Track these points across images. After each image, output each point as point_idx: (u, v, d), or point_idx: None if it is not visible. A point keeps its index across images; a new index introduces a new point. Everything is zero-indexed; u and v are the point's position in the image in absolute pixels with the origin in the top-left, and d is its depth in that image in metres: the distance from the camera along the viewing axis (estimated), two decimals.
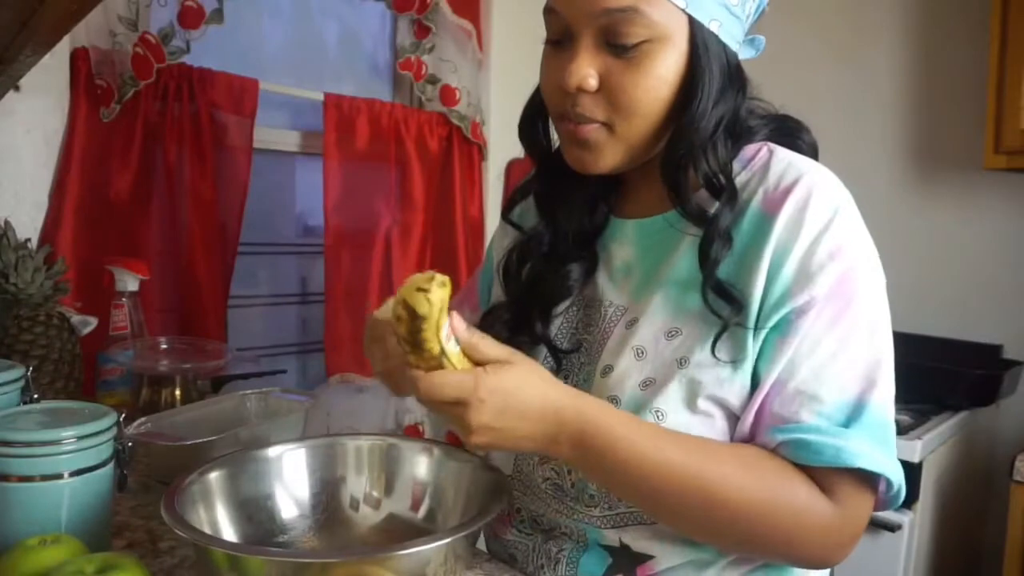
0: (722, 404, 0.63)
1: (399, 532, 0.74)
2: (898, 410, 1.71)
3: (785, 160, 0.66)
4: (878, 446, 0.59)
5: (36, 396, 0.84)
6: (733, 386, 0.62)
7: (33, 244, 1.20)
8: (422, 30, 1.90)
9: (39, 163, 1.34)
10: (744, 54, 0.69)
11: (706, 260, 0.63)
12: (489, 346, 0.56)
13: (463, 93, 1.95)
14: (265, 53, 1.85)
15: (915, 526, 1.44)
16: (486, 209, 2.10)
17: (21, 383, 0.82)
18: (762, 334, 0.62)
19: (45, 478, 0.65)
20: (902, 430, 1.49)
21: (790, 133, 0.72)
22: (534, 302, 0.74)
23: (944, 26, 1.90)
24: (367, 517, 0.76)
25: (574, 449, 0.57)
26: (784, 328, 0.61)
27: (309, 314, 1.98)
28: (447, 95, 1.93)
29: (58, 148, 1.36)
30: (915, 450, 1.43)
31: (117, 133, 1.41)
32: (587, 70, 0.62)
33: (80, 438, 0.66)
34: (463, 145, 2.01)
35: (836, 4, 2.08)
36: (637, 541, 0.66)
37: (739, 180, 0.66)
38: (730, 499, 0.57)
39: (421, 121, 1.91)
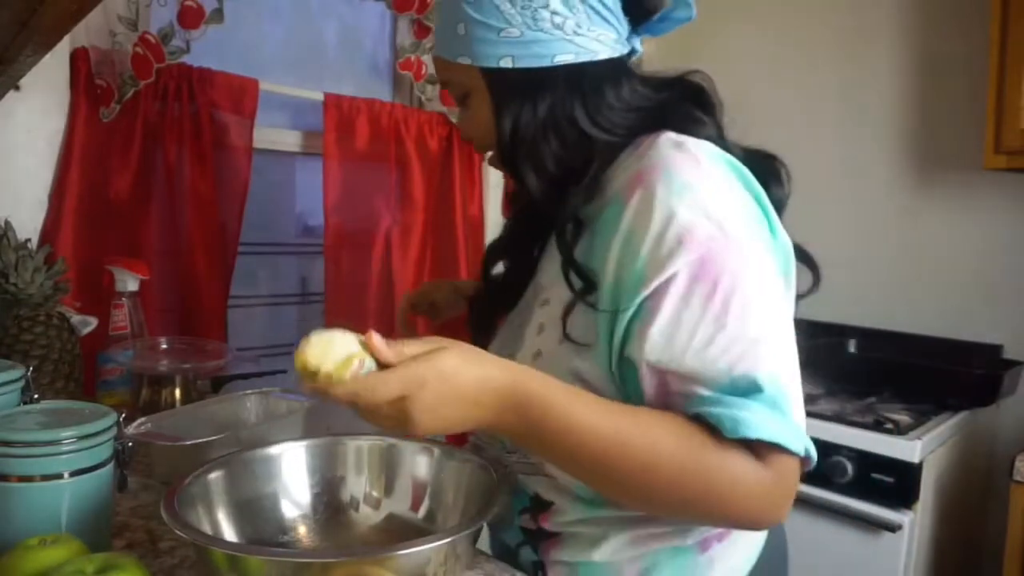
0: (597, 387, 0.65)
1: (399, 532, 0.74)
2: (898, 410, 1.71)
3: (655, 145, 0.66)
4: (776, 415, 0.59)
5: (36, 396, 0.84)
6: (594, 369, 0.66)
7: (33, 244, 1.20)
8: (422, 30, 1.89)
9: (39, 163, 1.34)
10: (611, 51, 0.71)
11: (561, 242, 0.69)
12: (414, 346, 0.57)
13: None
14: (265, 53, 1.85)
15: (915, 526, 1.44)
16: (486, 209, 2.10)
17: (21, 383, 0.82)
18: (623, 320, 0.63)
19: (45, 478, 0.65)
20: (902, 430, 1.49)
21: (685, 116, 0.71)
22: (498, 300, 0.85)
23: (944, 26, 1.90)
24: (367, 517, 0.76)
25: (518, 422, 0.59)
26: (643, 314, 0.62)
27: (309, 314, 1.98)
28: (447, 95, 1.93)
29: (58, 148, 1.36)
30: (915, 450, 1.43)
31: (117, 133, 1.41)
32: (461, 125, 0.80)
33: (80, 438, 0.67)
34: (463, 145, 2.00)
35: (836, 4, 2.08)
36: (544, 490, 0.72)
37: (617, 168, 0.70)
38: (661, 466, 0.58)
39: (421, 121, 1.91)
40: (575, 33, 0.70)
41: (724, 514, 0.62)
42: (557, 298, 0.71)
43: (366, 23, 2.04)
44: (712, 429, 0.59)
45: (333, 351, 0.55)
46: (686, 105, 0.73)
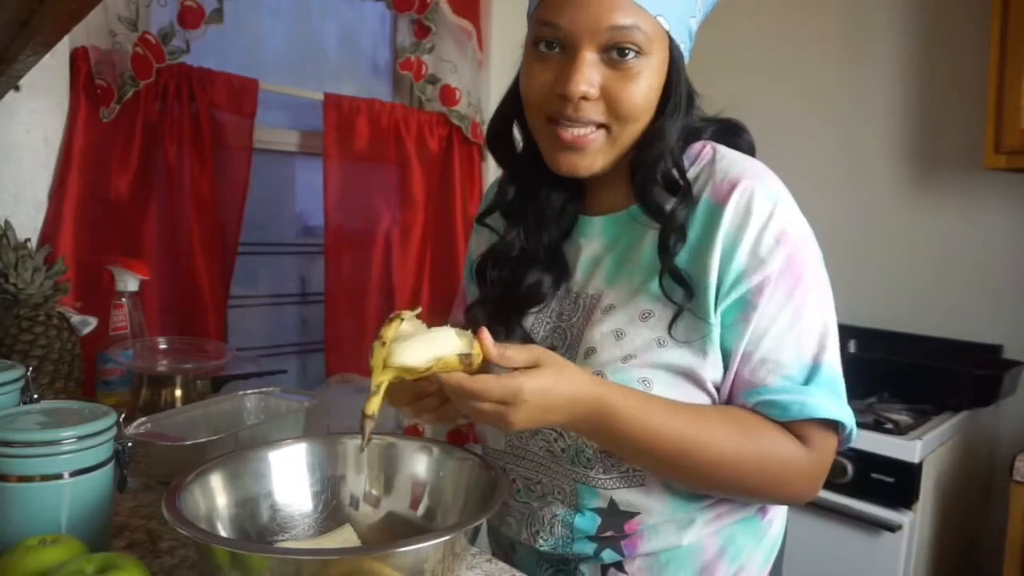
0: (696, 376, 0.71)
1: (398, 530, 0.74)
2: (898, 410, 1.71)
3: (728, 158, 0.74)
4: (834, 398, 0.70)
5: (36, 396, 0.84)
6: (707, 359, 0.70)
7: (33, 244, 1.20)
8: (422, 30, 1.90)
9: (39, 163, 1.34)
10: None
11: (664, 251, 0.71)
12: (517, 352, 0.63)
13: (463, 93, 1.95)
14: (265, 53, 1.85)
15: (915, 526, 1.44)
16: None
17: (21, 383, 0.82)
18: (719, 312, 0.70)
19: (45, 478, 0.65)
20: (902, 430, 1.49)
21: (731, 133, 0.80)
22: (509, 304, 0.81)
23: (944, 26, 1.91)
24: (367, 515, 0.76)
25: (591, 428, 0.66)
26: (744, 307, 0.70)
27: (309, 314, 1.98)
28: (447, 95, 1.93)
29: (58, 148, 1.36)
30: (915, 450, 1.43)
31: (117, 133, 1.41)
32: (592, 79, 0.69)
33: (80, 438, 0.67)
34: (463, 145, 2.01)
35: (836, 4, 2.08)
36: (625, 499, 0.74)
37: (689, 175, 0.74)
38: (725, 458, 0.68)
39: (421, 121, 1.91)
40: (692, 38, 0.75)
41: (775, 493, 0.73)
42: (623, 301, 0.74)
43: (366, 23, 2.04)
44: (764, 417, 0.69)
45: (444, 344, 0.61)
46: (734, 127, 0.80)
